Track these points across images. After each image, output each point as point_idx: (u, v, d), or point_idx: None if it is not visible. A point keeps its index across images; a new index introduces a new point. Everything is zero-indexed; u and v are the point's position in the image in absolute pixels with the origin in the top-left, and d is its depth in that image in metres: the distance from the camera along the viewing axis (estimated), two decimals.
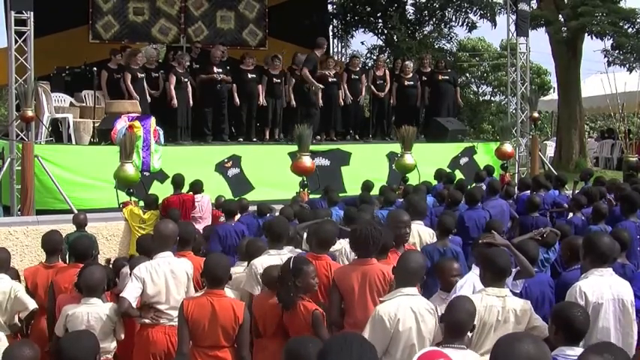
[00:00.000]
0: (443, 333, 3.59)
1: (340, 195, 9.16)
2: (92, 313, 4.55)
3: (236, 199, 9.49)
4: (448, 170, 11.17)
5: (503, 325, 3.93)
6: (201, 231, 8.64)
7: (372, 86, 13.77)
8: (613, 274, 4.32)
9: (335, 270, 4.60)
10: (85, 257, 5.50)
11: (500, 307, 3.92)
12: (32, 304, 5.03)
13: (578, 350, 3.39)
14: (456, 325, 3.45)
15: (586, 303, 4.07)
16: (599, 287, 4.19)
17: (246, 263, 5.50)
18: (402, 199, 8.57)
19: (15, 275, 5.69)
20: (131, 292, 4.59)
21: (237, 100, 12.29)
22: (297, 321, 4.31)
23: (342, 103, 13.24)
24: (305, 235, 6.08)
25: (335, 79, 13.14)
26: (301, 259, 4.64)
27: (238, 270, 5.63)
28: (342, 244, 5.56)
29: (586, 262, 4.38)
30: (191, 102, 11.91)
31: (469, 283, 4.53)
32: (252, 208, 8.50)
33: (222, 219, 8.70)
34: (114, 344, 4.69)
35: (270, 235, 5.27)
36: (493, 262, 4.13)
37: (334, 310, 4.49)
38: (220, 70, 12.13)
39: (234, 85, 12.30)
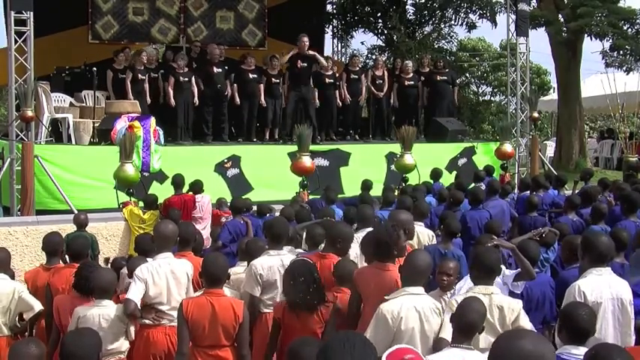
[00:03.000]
0: (453, 333, 3.57)
1: (338, 196, 9.15)
2: (103, 314, 4.56)
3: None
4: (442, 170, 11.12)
5: (488, 322, 3.93)
6: (209, 231, 8.72)
7: (372, 86, 13.77)
8: (612, 273, 4.32)
9: (355, 272, 4.52)
10: (81, 257, 5.51)
11: (487, 304, 3.90)
12: (38, 306, 5.03)
13: (583, 349, 3.39)
14: (467, 325, 3.44)
15: (585, 302, 4.07)
16: (598, 286, 4.19)
17: (246, 263, 5.50)
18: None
19: (11, 276, 5.67)
20: (135, 294, 4.59)
21: (238, 100, 12.30)
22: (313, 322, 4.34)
23: (341, 104, 13.25)
24: (305, 235, 6.08)
25: (332, 80, 13.14)
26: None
27: (239, 270, 5.63)
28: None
29: (584, 262, 4.39)
30: (197, 101, 11.92)
31: (468, 284, 4.53)
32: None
33: (224, 219, 8.72)
34: (126, 344, 4.68)
35: (270, 235, 5.27)
36: (481, 261, 4.16)
37: (354, 313, 4.43)
38: (220, 70, 12.13)
39: (235, 85, 12.31)
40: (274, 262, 5.00)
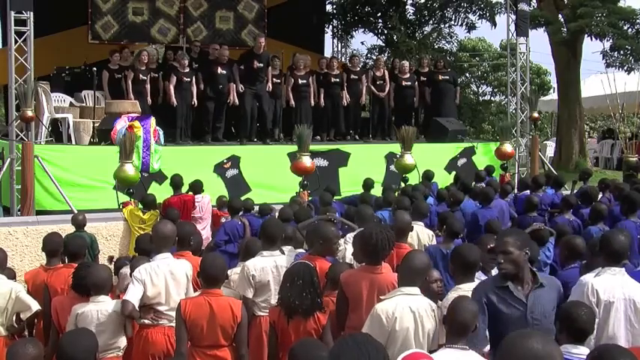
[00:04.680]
0: (445, 334, 3.57)
1: (335, 198, 9.15)
2: (102, 310, 4.56)
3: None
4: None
5: None
6: (209, 231, 8.69)
7: (372, 86, 13.79)
8: (625, 274, 4.30)
9: (342, 274, 4.47)
10: (79, 257, 5.50)
11: None
12: (35, 305, 5.02)
13: (582, 349, 3.40)
14: (460, 325, 3.44)
15: (597, 301, 4.06)
16: (611, 286, 4.18)
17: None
18: None
19: (11, 276, 5.67)
20: (133, 295, 4.60)
21: (237, 100, 12.27)
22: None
23: (345, 104, 13.29)
24: (305, 234, 6.07)
25: (338, 80, 13.17)
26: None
27: (238, 270, 5.62)
28: (345, 246, 5.55)
29: (600, 260, 4.39)
30: (195, 101, 11.92)
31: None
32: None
33: (224, 219, 8.71)
34: (124, 341, 4.70)
35: (264, 236, 5.24)
36: (463, 258, 4.19)
37: (342, 315, 4.37)
38: (225, 72, 12.11)
39: (234, 85, 12.30)
40: (267, 263, 4.98)
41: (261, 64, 12.32)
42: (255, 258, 5.07)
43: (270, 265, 4.97)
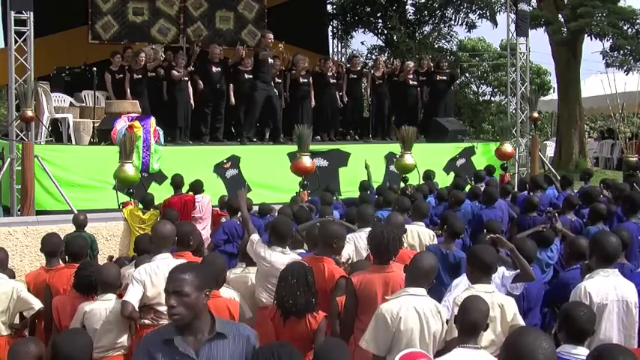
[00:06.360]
0: (457, 333, 3.56)
1: (338, 198, 9.16)
2: (109, 308, 4.57)
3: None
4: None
5: (493, 321, 3.94)
6: (209, 231, 8.68)
7: (372, 86, 13.79)
8: (618, 274, 4.29)
9: (353, 277, 4.45)
10: (80, 257, 5.50)
11: (489, 302, 3.87)
12: (38, 304, 5.04)
13: (580, 349, 3.40)
14: (471, 325, 3.45)
15: (590, 303, 4.05)
16: (604, 288, 4.18)
17: (244, 264, 5.50)
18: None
19: (11, 276, 5.66)
20: (133, 295, 4.59)
21: (233, 100, 12.22)
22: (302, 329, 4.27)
23: (342, 104, 13.29)
24: (305, 235, 6.07)
25: (335, 80, 13.17)
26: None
27: (237, 270, 5.63)
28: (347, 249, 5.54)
29: (592, 262, 4.38)
30: (192, 102, 11.91)
31: (464, 282, 4.53)
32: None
33: (224, 219, 8.71)
34: (129, 339, 4.71)
35: (275, 234, 5.24)
36: (480, 259, 4.18)
37: (351, 318, 4.35)
38: (219, 69, 12.12)
39: (232, 85, 12.29)
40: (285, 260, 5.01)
41: (272, 61, 12.27)
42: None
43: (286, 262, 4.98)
